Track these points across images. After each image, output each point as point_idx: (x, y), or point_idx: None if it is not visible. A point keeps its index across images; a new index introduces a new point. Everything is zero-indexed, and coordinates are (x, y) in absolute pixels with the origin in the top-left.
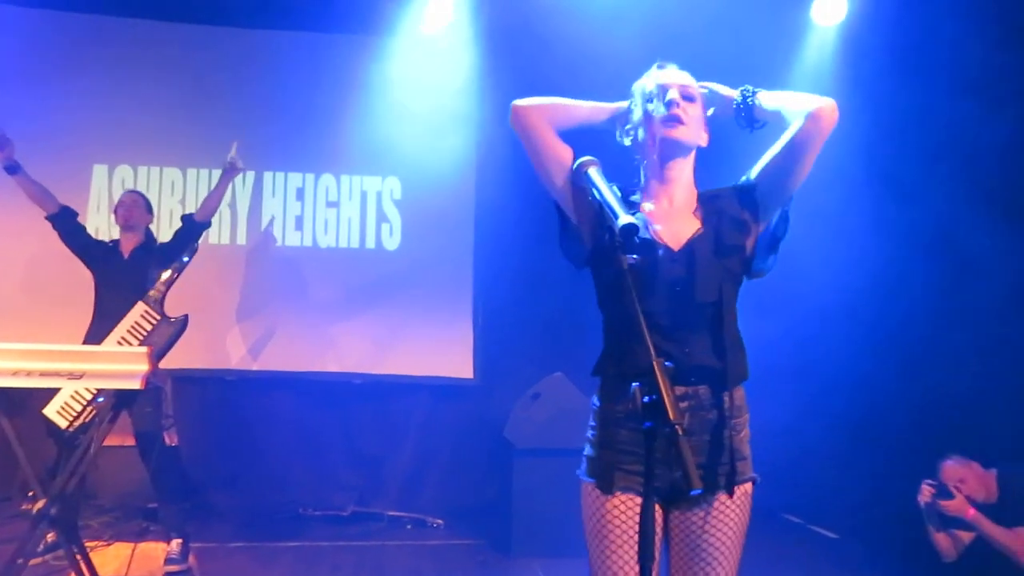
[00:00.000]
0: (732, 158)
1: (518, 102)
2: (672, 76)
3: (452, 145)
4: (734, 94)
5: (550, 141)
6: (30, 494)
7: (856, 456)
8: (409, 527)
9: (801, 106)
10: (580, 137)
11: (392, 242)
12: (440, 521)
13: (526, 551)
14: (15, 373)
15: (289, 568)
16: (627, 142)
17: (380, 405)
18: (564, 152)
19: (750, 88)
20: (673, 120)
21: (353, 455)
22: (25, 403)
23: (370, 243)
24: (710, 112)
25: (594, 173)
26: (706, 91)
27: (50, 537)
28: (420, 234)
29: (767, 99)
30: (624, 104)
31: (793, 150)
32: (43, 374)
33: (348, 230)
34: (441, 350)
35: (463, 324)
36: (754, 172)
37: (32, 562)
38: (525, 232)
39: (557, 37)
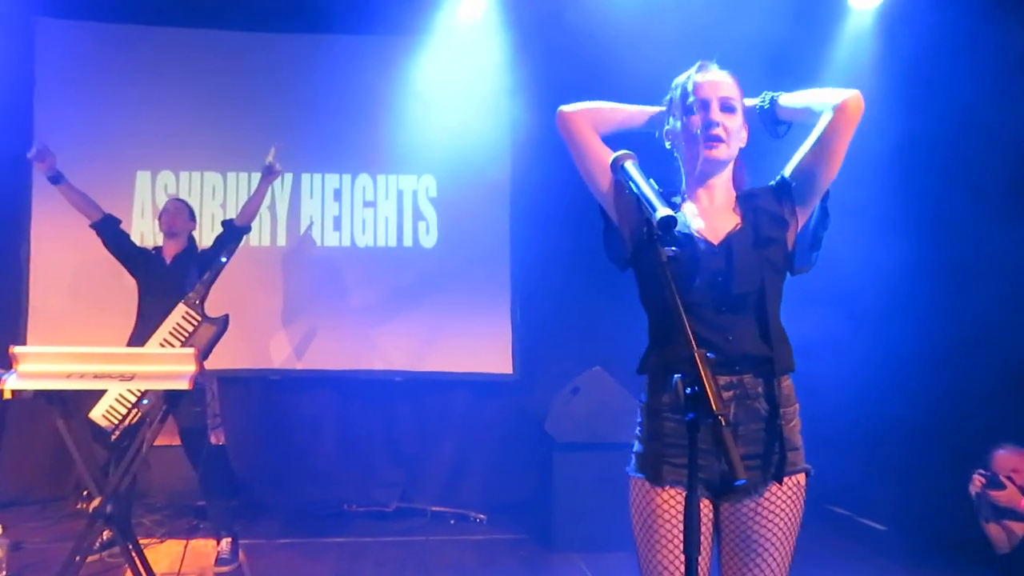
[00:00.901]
0: (767, 156)
1: (564, 108)
2: (713, 88)
3: (486, 142)
4: (755, 102)
5: (594, 145)
6: (84, 493)
7: (905, 446)
8: (452, 522)
9: (825, 100)
10: (625, 138)
11: (429, 240)
12: (483, 516)
13: (568, 545)
14: (69, 376)
15: (335, 563)
16: (668, 145)
17: (421, 402)
18: (607, 156)
19: (769, 93)
20: (714, 140)
21: (395, 452)
22: (76, 406)
23: (407, 241)
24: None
25: (631, 167)
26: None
27: (105, 535)
28: (457, 231)
29: (788, 99)
30: (657, 111)
31: (822, 143)
32: (96, 376)
33: (385, 229)
34: (480, 346)
35: (501, 320)
36: (788, 169)
37: (89, 559)
38: (562, 226)
39: (589, 30)
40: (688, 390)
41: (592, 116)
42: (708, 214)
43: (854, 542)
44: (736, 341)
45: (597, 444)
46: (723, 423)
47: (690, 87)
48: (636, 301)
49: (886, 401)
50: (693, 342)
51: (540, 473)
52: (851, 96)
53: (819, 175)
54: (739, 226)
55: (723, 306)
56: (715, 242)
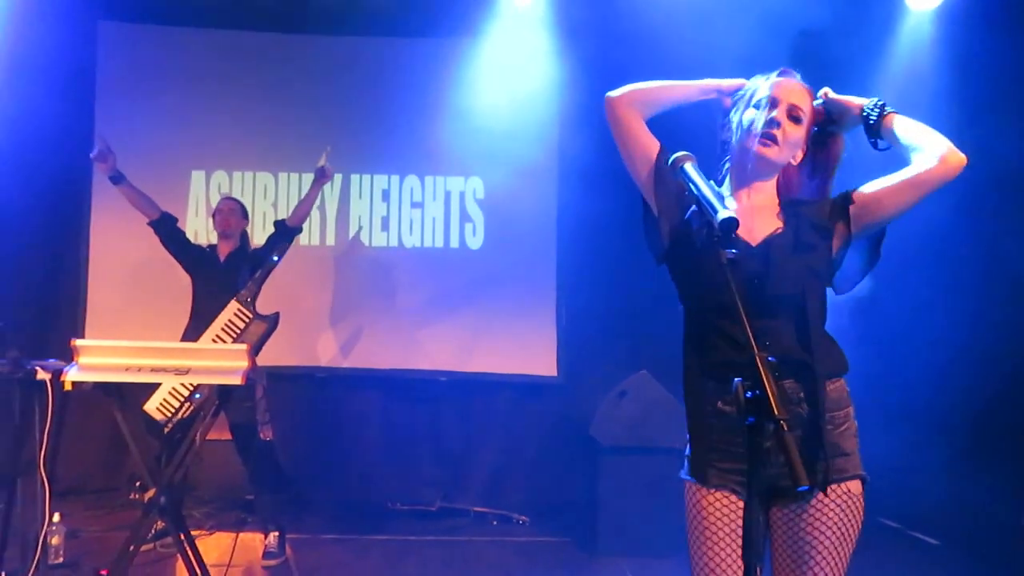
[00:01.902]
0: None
1: (611, 93)
2: (787, 91)
3: (534, 144)
4: (862, 103)
5: (639, 132)
6: (137, 484)
7: (960, 459)
8: (495, 523)
9: (932, 146)
10: (670, 131)
11: (475, 241)
12: (525, 518)
13: (613, 550)
14: (127, 369)
15: (379, 561)
16: (724, 136)
17: (465, 402)
18: (651, 145)
19: (880, 103)
20: (768, 139)
21: (439, 451)
22: (132, 399)
23: (454, 243)
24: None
25: (690, 168)
26: (821, 102)
27: (158, 525)
28: (503, 233)
29: (902, 123)
30: (713, 83)
31: (911, 186)
32: (153, 370)
33: (432, 230)
34: (525, 348)
35: (547, 322)
36: (858, 191)
37: (143, 548)
38: (608, 229)
39: (639, 31)
40: (748, 393)
41: (641, 98)
42: (748, 214)
43: (905, 556)
44: (773, 346)
45: (643, 448)
46: (785, 427)
47: (766, 85)
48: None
49: (941, 412)
50: (755, 345)
51: (584, 476)
52: (960, 157)
53: (890, 213)
54: (780, 230)
55: (760, 310)
56: (753, 243)
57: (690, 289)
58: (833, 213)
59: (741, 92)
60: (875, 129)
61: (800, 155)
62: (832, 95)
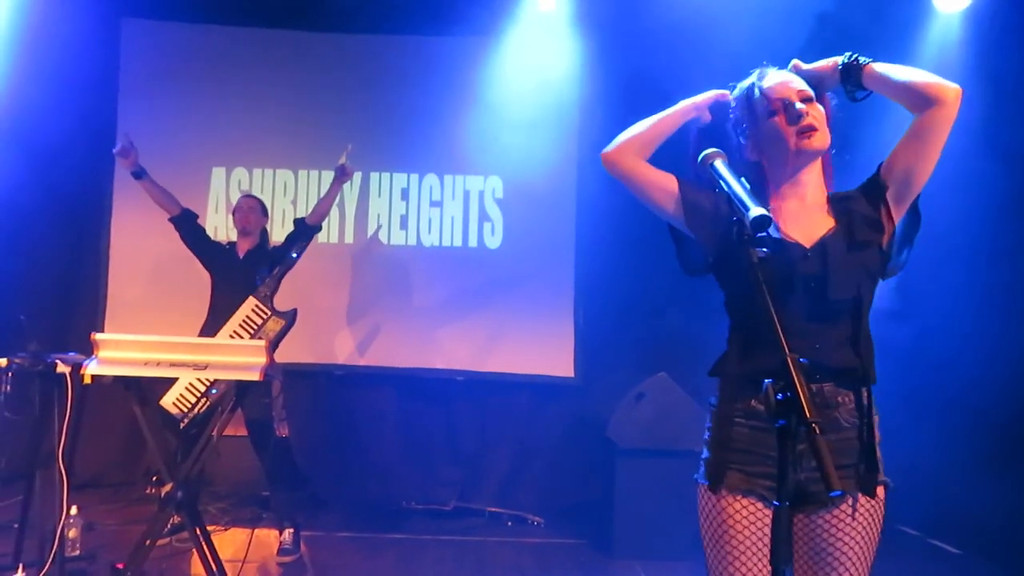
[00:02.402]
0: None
1: (605, 151)
2: (784, 84)
3: (553, 144)
4: (836, 60)
5: (648, 175)
6: (154, 479)
7: (983, 465)
8: (509, 524)
9: (919, 87)
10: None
11: (494, 241)
12: (540, 519)
13: (628, 553)
14: (147, 363)
15: (394, 559)
16: (750, 156)
17: (481, 402)
18: (667, 181)
19: (854, 55)
20: (808, 130)
21: (455, 451)
22: (150, 393)
23: (472, 242)
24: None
25: (720, 165)
26: (803, 76)
27: (174, 519)
28: (522, 233)
29: (883, 69)
30: (689, 103)
31: (920, 138)
32: (172, 364)
33: (451, 229)
34: (542, 349)
35: (564, 323)
36: (881, 170)
37: (159, 542)
38: (627, 230)
39: (657, 29)
40: (779, 396)
41: (635, 145)
42: (799, 217)
43: (926, 565)
44: (823, 350)
45: (660, 451)
46: (817, 431)
47: (757, 94)
48: (701, 307)
49: (963, 418)
50: (786, 346)
51: (600, 478)
52: (949, 88)
53: (916, 173)
54: (833, 229)
55: (815, 314)
56: (808, 245)
57: (736, 299)
58: (875, 201)
59: (733, 116)
60: (853, 79)
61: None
62: (802, 66)
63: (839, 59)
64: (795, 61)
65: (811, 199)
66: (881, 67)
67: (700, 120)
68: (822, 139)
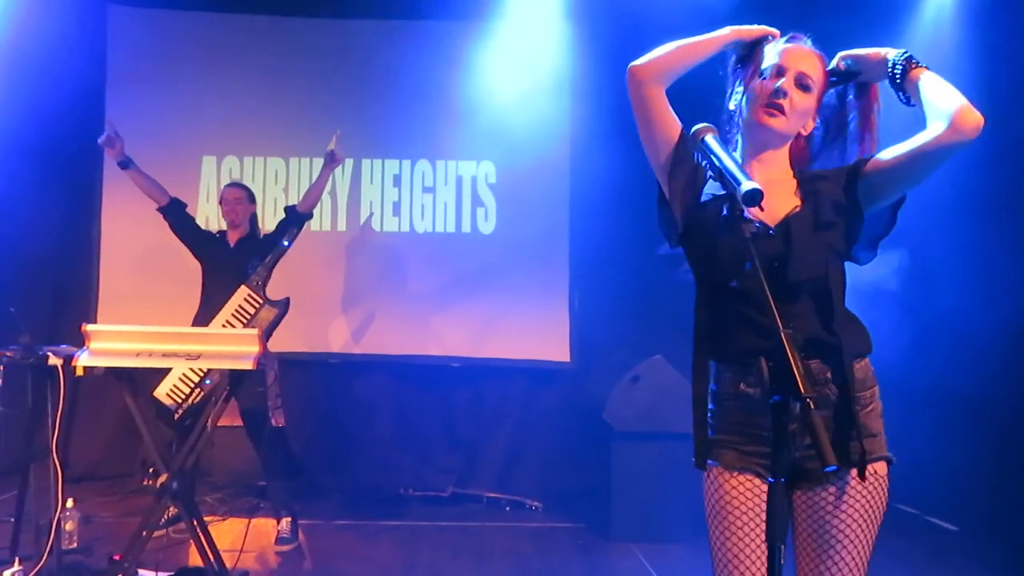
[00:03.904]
0: None
1: (635, 63)
2: (796, 58)
3: (546, 129)
4: (888, 55)
5: (664, 112)
6: (150, 471)
7: (979, 442)
8: (507, 509)
9: (945, 107)
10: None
11: (488, 226)
12: (538, 504)
13: (626, 535)
14: (138, 354)
15: (391, 546)
16: (731, 106)
17: (477, 388)
18: (674, 126)
19: (907, 54)
20: (774, 108)
21: (451, 437)
22: (142, 384)
23: (466, 227)
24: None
25: (712, 140)
26: (846, 62)
27: (171, 511)
28: (515, 218)
29: (925, 79)
30: (734, 32)
31: (918, 158)
32: (164, 355)
33: (444, 215)
34: (537, 333)
35: (559, 307)
36: (866, 165)
37: (155, 534)
38: (620, 214)
39: (649, 9)
40: (772, 372)
41: (666, 67)
42: (765, 192)
43: (924, 543)
44: (797, 330)
45: (657, 433)
46: (812, 406)
47: (773, 51)
48: (695, 290)
49: (959, 394)
50: (780, 322)
51: (597, 462)
52: (974, 118)
53: (899, 184)
54: (798, 208)
55: (779, 292)
56: (771, 224)
57: (707, 275)
58: (847, 188)
59: (744, 54)
60: (900, 83)
61: (811, 124)
62: (851, 53)
63: (891, 52)
64: (842, 53)
65: (777, 175)
66: (928, 79)
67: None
68: (783, 123)
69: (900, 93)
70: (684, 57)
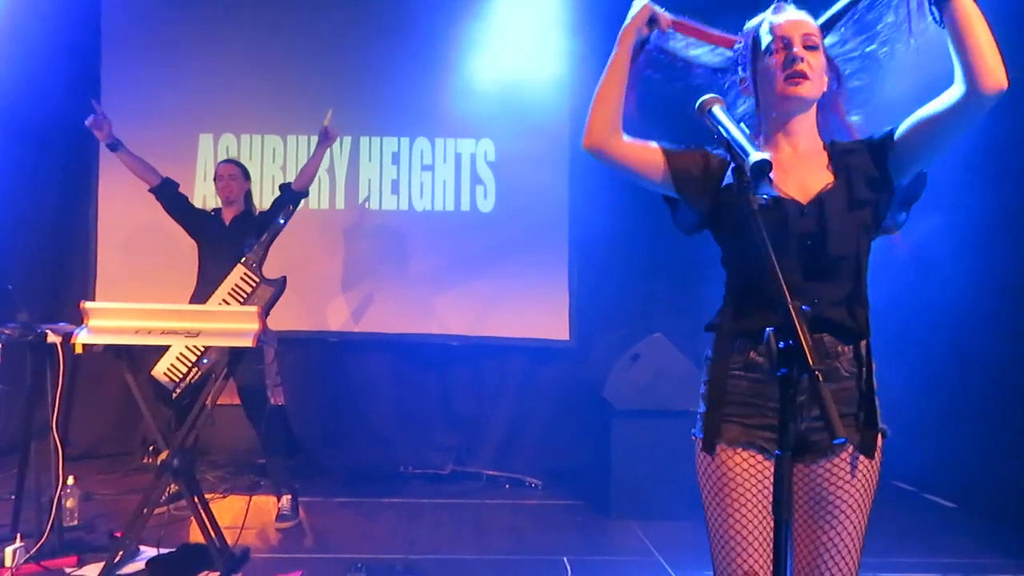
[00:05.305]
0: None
1: (584, 144)
2: (792, 26)
3: (545, 105)
4: None
5: (633, 155)
6: (151, 448)
7: (977, 420)
8: (507, 487)
9: (971, 60)
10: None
11: (487, 204)
12: (538, 481)
13: (625, 513)
14: (137, 331)
15: (392, 523)
16: (743, 90)
17: (477, 367)
18: (651, 154)
19: None
20: (797, 76)
21: (451, 416)
22: (141, 362)
23: (465, 206)
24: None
25: (719, 111)
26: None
27: (172, 488)
28: (515, 196)
29: (968, 8)
30: (632, 18)
31: (935, 124)
32: (163, 332)
33: (443, 193)
34: (537, 312)
35: (559, 285)
36: (897, 132)
37: (156, 511)
38: (621, 191)
39: None
40: (781, 344)
41: (602, 117)
42: (793, 169)
43: (921, 519)
44: (821, 305)
45: (656, 411)
46: (820, 378)
47: (765, 28)
48: (696, 268)
49: (957, 372)
50: (787, 295)
51: (597, 440)
52: (996, 80)
53: (926, 153)
54: (831, 185)
55: (812, 272)
56: (803, 201)
57: (733, 254)
58: (877, 162)
59: (738, 48)
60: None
61: (827, 80)
62: None
63: None
64: None
65: (804, 148)
66: (974, 8)
67: (650, 40)
68: (810, 88)
69: (934, 7)
70: (608, 94)
